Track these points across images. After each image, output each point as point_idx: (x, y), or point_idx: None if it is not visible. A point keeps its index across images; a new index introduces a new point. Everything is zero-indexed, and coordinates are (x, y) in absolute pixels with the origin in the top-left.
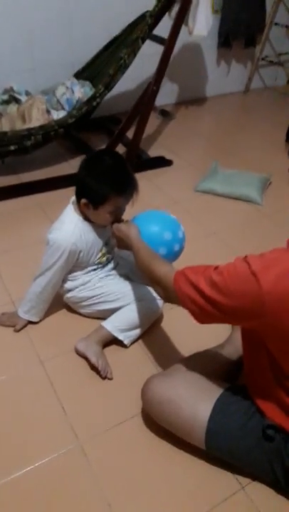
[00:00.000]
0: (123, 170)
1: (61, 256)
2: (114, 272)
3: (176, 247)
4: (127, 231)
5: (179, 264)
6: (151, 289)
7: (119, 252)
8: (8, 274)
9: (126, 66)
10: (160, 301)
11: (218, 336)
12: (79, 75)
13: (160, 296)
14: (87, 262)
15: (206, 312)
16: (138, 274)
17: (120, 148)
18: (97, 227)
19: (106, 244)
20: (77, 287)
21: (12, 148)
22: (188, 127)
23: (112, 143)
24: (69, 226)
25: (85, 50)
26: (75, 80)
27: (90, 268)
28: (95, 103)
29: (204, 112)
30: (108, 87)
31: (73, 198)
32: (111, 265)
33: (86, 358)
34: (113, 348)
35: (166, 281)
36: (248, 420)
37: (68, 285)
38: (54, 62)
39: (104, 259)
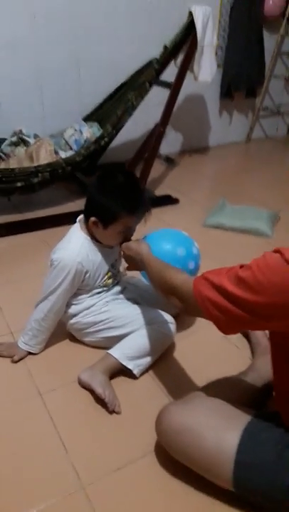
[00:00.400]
0: (136, 189)
1: (66, 277)
2: (121, 295)
3: (191, 265)
4: (137, 248)
5: None
6: (162, 312)
7: (128, 279)
8: (8, 305)
9: (133, 108)
10: (173, 325)
11: (237, 365)
12: (87, 119)
13: (177, 308)
14: (92, 285)
15: (232, 316)
16: (147, 298)
17: None
18: (104, 247)
19: (112, 266)
20: (81, 312)
21: (19, 184)
22: (192, 171)
23: None
24: (75, 245)
25: (93, 97)
26: (83, 122)
27: (95, 291)
28: (103, 142)
29: (208, 159)
30: (116, 128)
31: (80, 216)
32: (118, 288)
33: (90, 390)
34: (121, 379)
35: (184, 289)
36: (283, 450)
37: (72, 310)
38: (63, 109)
39: (110, 281)
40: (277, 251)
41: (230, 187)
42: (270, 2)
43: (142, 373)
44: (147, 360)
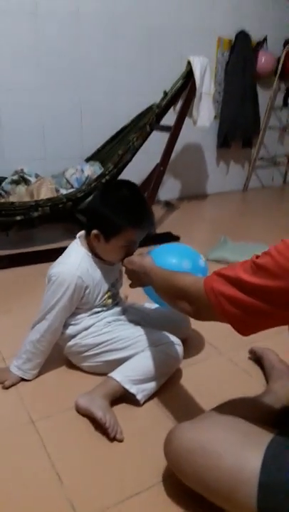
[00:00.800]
0: (140, 202)
1: (65, 292)
2: (123, 316)
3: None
4: (140, 261)
5: None
6: (168, 334)
7: (129, 304)
8: (2, 333)
9: (134, 148)
10: (180, 347)
11: (249, 393)
12: (88, 160)
13: (187, 313)
14: (92, 303)
15: (250, 311)
16: (150, 321)
17: None
18: (105, 264)
19: (112, 285)
20: (80, 332)
21: (18, 218)
22: (192, 215)
23: None
24: (75, 259)
25: (94, 141)
26: (84, 162)
27: (94, 310)
28: (104, 180)
29: (206, 205)
30: (117, 166)
31: (81, 232)
32: (118, 309)
33: (90, 416)
34: (123, 406)
35: (195, 289)
36: None
37: (70, 331)
38: (64, 152)
39: (110, 301)
40: None
41: (229, 229)
42: (262, 60)
43: (146, 400)
44: (152, 385)
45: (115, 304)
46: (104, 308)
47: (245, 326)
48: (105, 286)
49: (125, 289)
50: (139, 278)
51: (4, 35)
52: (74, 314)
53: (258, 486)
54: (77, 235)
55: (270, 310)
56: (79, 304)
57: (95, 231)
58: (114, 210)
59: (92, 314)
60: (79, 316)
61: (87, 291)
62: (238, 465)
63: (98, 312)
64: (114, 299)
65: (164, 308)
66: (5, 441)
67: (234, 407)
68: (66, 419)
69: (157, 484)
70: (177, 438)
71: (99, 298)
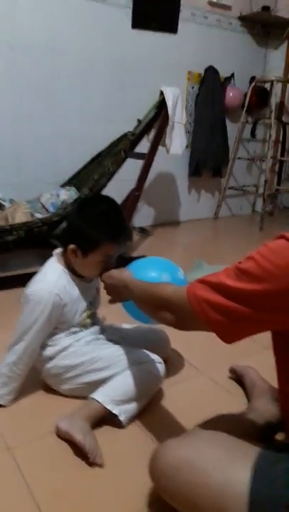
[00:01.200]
0: (118, 216)
1: (43, 311)
2: (102, 336)
3: None
4: (119, 275)
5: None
6: (149, 352)
7: (108, 324)
8: None
9: (110, 173)
10: (161, 365)
11: (231, 411)
12: (64, 185)
13: (169, 324)
14: (70, 322)
15: (235, 317)
16: (130, 341)
17: None
18: (82, 282)
19: (91, 303)
20: (59, 353)
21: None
22: (166, 241)
23: None
24: (51, 276)
25: (69, 168)
26: (59, 188)
27: (71, 330)
28: None
29: (179, 232)
30: (92, 190)
31: (57, 249)
32: (97, 328)
33: (70, 440)
34: (104, 429)
35: (177, 297)
36: None
37: (48, 352)
38: (39, 178)
39: (89, 321)
40: (280, 236)
41: (203, 253)
42: (230, 94)
43: (129, 422)
44: (134, 405)
45: (93, 323)
46: (83, 329)
47: (230, 333)
48: (83, 304)
49: (102, 310)
50: (119, 292)
51: None
52: (52, 334)
53: (248, 502)
54: (54, 252)
55: (255, 315)
56: (57, 322)
57: (72, 246)
58: (92, 224)
59: (70, 334)
60: (57, 336)
61: (66, 309)
62: (227, 481)
63: (76, 332)
64: (93, 318)
65: (142, 329)
66: None
67: (218, 423)
68: (44, 445)
69: (142, 510)
70: (163, 456)
71: (77, 316)
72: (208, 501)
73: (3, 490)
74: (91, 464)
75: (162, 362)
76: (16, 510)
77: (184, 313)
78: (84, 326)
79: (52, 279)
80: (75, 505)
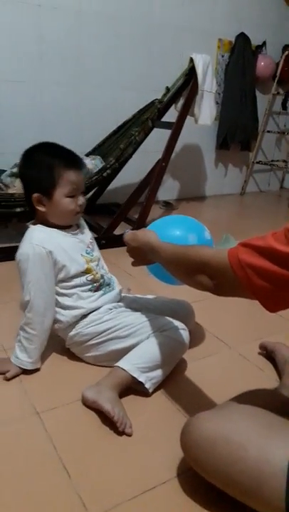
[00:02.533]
0: (59, 147)
1: (29, 265)
2: (123, 303)
3: None
4: (143, 237)
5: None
6: (172, 319)
7: (126, 295)
8: (2, 324)
9: (136, 143)
10: (185, 332)
11: (262, 386)
12: (88, 155)
13: (205, 289)
14: (69, 270)
15: (284, 284)
16: (153, 310)
17: (124, 226)
18: (66, 231)
19: (88, 253)
20: (81, 320)
21: (18, 210)
22: (190, 215)
23: (118, 214)
24: (27, 234)
25: (94, 136)
26: (85, 157)
27: (84, 288)
28: (105, 174)
29: (205, 207)
30: (118, 160)
31: (29, 222)
32: (115, 292)
33: (97, 409)
34: (131, 398)
35: (216, 261)
36: None
37: (68, 317)
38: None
39: (99, 276)
40: None
41: (229, 229)
42: (262, 64)
43: (155, 391)
44: (160, 372)
45: (108, 284)
46: (96, 284)
47: (275, 301)
48: (77, 252)
49: (123, 281)
50: (144, 255)
51: (7, 26)
52: (65, 294)
53: (286, 478)
54: (27, 224)
55: None
56: (60, 273)
57: (35, 195)
58: (39, 164)
59: (86, 292)
60: (73, 298)
61: (54, 256)
62: (265, 457)
63: (91, 290)
64: (105, 273)
65: (166, 299)
66: (10, 432)
67: (252, 398)
68: (72, 412)
69: (172, 479)
70: (197, 428)
71: (75, 264)
72: (244, 476)
73: (32, 452)
74: (120, 433)
75: (186, 329)
76: (45, 472)
77: (224, 278)
78: (96, 281)
79: (27, 235)
80: (103, 471)
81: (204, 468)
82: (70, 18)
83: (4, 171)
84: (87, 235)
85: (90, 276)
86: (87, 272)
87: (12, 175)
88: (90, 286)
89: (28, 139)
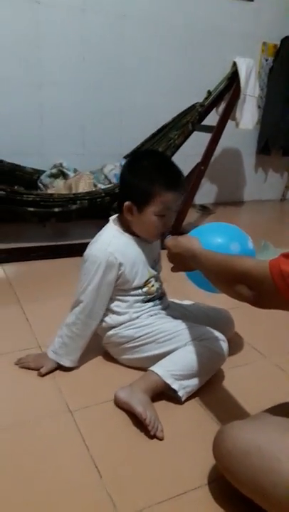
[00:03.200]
0: (169, 164)
1: (97, 271)
2: (164, 312)
3: None
4: (186, 243)
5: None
6: (212, 329)
7: (171, 300)
8: (37, 320)
9: (175, 146)
10: (225, 343)
11: None
12: (127, 157)
13: (245, 300)
14: (131, 284)
15: None
16: (192, 318)
17: None
18: (142, 242)
19: (153, 267)
20: (122, 324)
21: (56, 210)
22: (228, 220)
23: None
24: (106, 236)
25: (133, 140)
26: (123, 159)
27: (137, 298)
28: None
29: (243, 212)
30: None
31: (113, 216)
32: (164, 303)
33: (128, 411)
34: (163, 403)
35: (257, 271)
36: None
37: (111, 320)
38: (103, 149)
39: (154, 289)
40: None
41: (268, 236)
42: None
43: (188, 398)
44: (194, 382)
45: (159, 297)
46: (150, 297)
47: None
48: (144, 266)
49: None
50: (185, 262)
51: (52, 28)
52: (115, 299)
53: None
54: (110, 218)
55: None
56: (117, 284)
57: (127, 203)
58: (142, 175)
59: (136, 302)
60: (121, 306)
61: (122, 269)
62: None
63: (143, 301)
64: (159, 286)
65: (206, 307)
66: (42, 428)
67: (287, 409)
68: (104, 412)
69: (203, 486)
70: (230, 438)
71: (138, 277)
72: (277, 489)
73: (64, 450)
74: (151, 436)
75: (225, 340)
76: (76, 471)
77: (265, 289)
78: (150, 294)
79: (106, 238)
80: (134, 473)
81: (236, 477)
82: (113, 21)
83: (44, 171)
84: (157, 247)
85: (145, 288)
86: (145, 284)
87: (51, 175)
88: (142, 297)
89: (67, 141)
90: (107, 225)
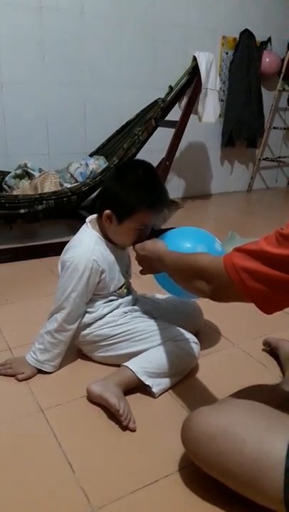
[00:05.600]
0: (157, 183)
1: (81, 277)
2: (137, 307)
3: None
4: (153, 246)
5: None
6: (184, 331)
7: (141, 295)
8: (7, 323)
9: (140, 142)
10: (196, 345)
11: (265, 382)
12: (92, 155)
13: (204, 294)
14: (109, 289)
15: (278, 286)
16: (162, 312)
17: None
18: (117, 249)
19: (126, 272)
20: (96, 321)
21: (22, 211)
22: (196, 213)
23: None
24: (89, 242)
25: (98, 137)
26: (88, 157)
27: (110, 298)
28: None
29: (210, 204)
30: (122, 160)
31: (91, 217)
32: (130, 297)
33: (102, 404)
34: (136, 396)
35: (213, 266)
36: None
37: (86, 319)
38: (68, 147)
39: (125, 291)
40: None
41: (235, 227)
42: (267, 60)
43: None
44: (167, 381)
45: (128, 293)
46: (119, 298)
47: (270, 302)
48: (119, 272)
49: (133, 281)
50: (152, 264)
51: (9, 29)
52: (91, 301)
53: (284, 471)
54: (87, 219)
55: None
56: (96, 289)
57: (107, 211)
58: (129, 189)
59: (107, 302)
60: (96, 304)
61: (103, 275)
62: (263, 449)
63: (113, 300)
64: (129, 288)
65: (175, 300)
66: (14, 429)
67: (252, 393)
68: (77, 408)
69: (174, 473)
70: (196, 423)
71: (115, 283)
72: (243, 469)
73: (37, 448)
74: (124, 428)
75: (198, 342)
76: (49, 468)
77: (221, 283)
78: (120, 296)
79: (89, 245)
80: (107, 466)
81: (204, 461)
82: (73, 19)
83: (9, 172)
84: (127, 252)
85: (118, 290)
86: (119, 294)
87: (16, 176)
88: (114, 297)
89: (32, 141)
90: (85, 228)
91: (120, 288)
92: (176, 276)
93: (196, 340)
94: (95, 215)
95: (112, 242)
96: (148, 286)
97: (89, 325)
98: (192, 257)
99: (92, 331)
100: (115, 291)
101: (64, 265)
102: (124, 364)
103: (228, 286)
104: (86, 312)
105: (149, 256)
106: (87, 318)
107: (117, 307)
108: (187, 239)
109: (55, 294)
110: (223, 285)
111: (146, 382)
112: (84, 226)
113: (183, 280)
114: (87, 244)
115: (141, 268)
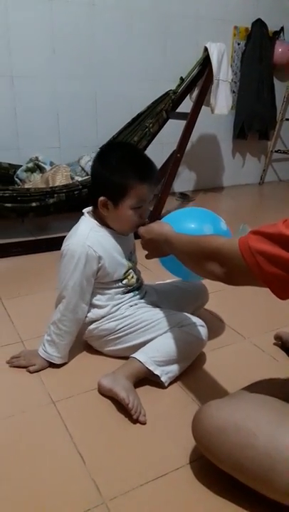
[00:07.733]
0: (141, 155)
1: (77, 264)
2: (143, 300)
3: None
4: (158, 228)
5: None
6: (190, 315)
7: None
8: (19, 316)
9: (150, 134)
10: (204, 328)
11: (276, 376)
12: None
13: (216, 278)
14: (112, 276)
15: None
16: (166, 295)
17: None
18: (118, 235)
19: (129, 259)
20: (103, 317)
21: (34, 205)
22: (208, 206)
23: None
24: (83, 230)
25: (108, 129)
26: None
27: (118, 290)
28: None
29: (222, 197)
30: None
31: (86, 208)
32: (140, 293)
33: (112, 397)
34: (146, 388)
35: (227, 248)
36: None
37: (93, 314)
38: (79, 140)
39: (134, 280)
40: None
41: (248, 219)
42: (279, 50)
43: (170, 383)
44: (176, 367)
45: (138, 287)
46: (129, 288)
47: (285, 288)
48: (122, 258)
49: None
50: (158, 247)
51: (20, 22)
52: (96, 293)
53: None
54: (84, 210)
55: None
56: (98, 278)
57: (101, 198)
58: (115, 169)
59: (117, 294)
60: (102, 300)
61: (102, 262)
62: (274, 443)
63: (124, 293)
64: (138, 277)
65: (176, 281)
66: (26, 420)
67: (264, 387)
68: (88, 400)
69: (184, 466)
70: (207, 416)
71: (119, 271)
72: (254, 463)
73: (49, 440)
74: (134, 421)
75: (204, 325)
76: (60, 459)
77: (235, 266)
78: (130, 285)
79: (84, 232)
80: (117, 457)
81: (215, 455)
82: (83, 11)
83: (20, 166)
84: (132, 238)
85: (125, 281)
86: (125, 276)
87: (27, 170)
88: (123, 289)
89: (43, 134)
90: (83, 218)
91: (126, 277)
92: (186, 259)
93: (202, 323)
94: (91, 207)
95: (112, 229)
96: (154, 279)
97: (95, 320)
98: (204, 238)
99: (98, 325)
100: (121, 281)
101: (61, 254)
102: (133, 356)
103: (242, 269)
104: (94, 306)
105: (156, 238)
106: (94, 313)
107: (125, 302)
108: (192, 219)
109: (57, 284)
110: (237, 268)
111: (156, 372)
112: (81, 218)
113: (194, 262)
114: (82, 232)
115: (146, 253)
